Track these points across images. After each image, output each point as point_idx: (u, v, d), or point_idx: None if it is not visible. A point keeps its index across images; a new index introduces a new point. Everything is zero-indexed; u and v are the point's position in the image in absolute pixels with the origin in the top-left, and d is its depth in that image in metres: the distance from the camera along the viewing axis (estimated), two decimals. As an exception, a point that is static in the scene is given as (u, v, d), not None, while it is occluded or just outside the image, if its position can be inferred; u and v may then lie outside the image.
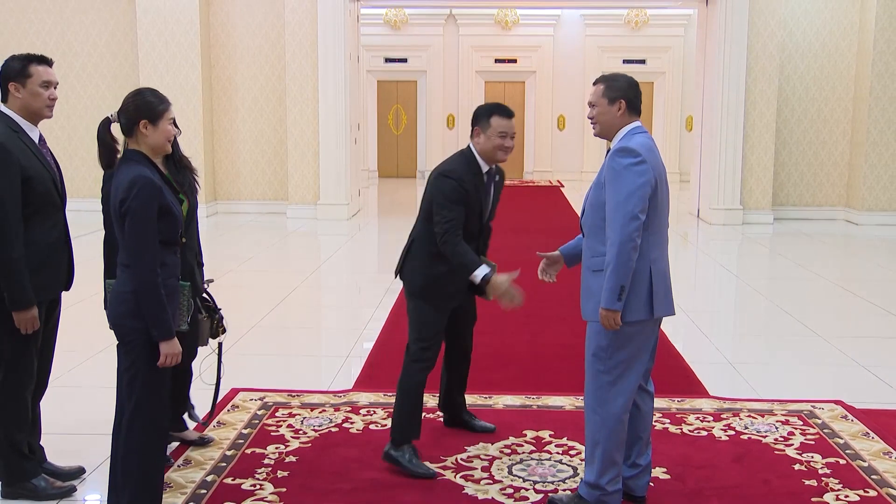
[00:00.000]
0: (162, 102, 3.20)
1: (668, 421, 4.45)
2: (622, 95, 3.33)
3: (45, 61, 3.48)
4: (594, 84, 3.44)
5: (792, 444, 4.15)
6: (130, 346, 3.05)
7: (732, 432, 4.31)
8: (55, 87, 3.51)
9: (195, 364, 4.01)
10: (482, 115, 3.88)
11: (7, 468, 3.48)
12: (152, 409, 3.07)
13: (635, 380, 3.33)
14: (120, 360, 3.09)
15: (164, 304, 3.00)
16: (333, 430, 4.31)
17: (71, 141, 12.34)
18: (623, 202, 3.14)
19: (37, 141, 3.47)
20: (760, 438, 4.23)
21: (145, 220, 2.96)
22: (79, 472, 3.70)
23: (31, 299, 3.34)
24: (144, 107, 3.14)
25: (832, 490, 3.66)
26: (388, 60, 19.37)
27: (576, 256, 3.67)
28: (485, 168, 3.91)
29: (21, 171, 3.31)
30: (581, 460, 3.88)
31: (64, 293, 3.63)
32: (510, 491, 3.63)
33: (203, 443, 4.05)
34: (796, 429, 4.35)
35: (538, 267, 3.76)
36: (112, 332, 3.12)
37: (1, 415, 3.43)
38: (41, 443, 3.68)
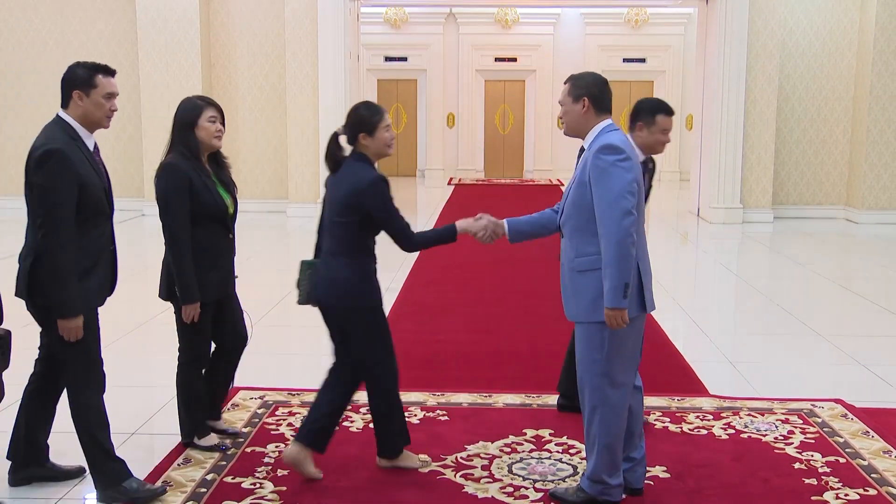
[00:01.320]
0: (374, 115, 3.64)
1: (668, 420, 4.44)
2: (585, 93, 3.30)
3: (110, 72, 3.51)
4: (564, 83, 3.44)
5: (792, 443, 4.15)
6: (358, 316, 3.62)
7: (732, 431, 4.31)
8: (115, 99, 3.53)
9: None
10: (646, 111, 4.05)
11: (101, 472, 3.50)
12: None
13: (631, 374, 3.37)
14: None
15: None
16: (333, 428, 4.30)
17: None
18: (615, 199, 3.13)
19: (92, 149, 3.49)
20: (760, 437, 4.23)
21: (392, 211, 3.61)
22: (79, 472, 3.70)
23: (79, 307, 3.34)
24: (359, 122, 3.65)
25: (832, 489, 3.66)
26: (388, 59, 19.36)
27: (523, 234, 3.64)
28: (641, 157, 4.00)
29: (78, 178, 3.32)
30: (581, 459, 3.88)
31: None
32: (510, 490, 3.63)
33: (232, 435, 4.14)
34: (796, 427, 4.35)
35: (477, 223, 3.66)
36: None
37: (85, 419, 3.46)
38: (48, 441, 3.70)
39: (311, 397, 4.72)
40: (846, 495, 3.60)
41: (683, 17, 18.71)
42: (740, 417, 4.48)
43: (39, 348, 3.63)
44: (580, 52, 18.99)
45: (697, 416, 4.50)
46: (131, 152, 12.67)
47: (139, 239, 11.01)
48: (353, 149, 3.69)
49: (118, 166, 12.51)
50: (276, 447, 4.04)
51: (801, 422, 4.43)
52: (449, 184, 17.75)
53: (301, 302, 3.80)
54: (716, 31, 11.83)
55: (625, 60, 19.01)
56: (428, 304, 7.09)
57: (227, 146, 13.29)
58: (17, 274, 3.41)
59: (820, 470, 3.85)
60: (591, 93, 3.31)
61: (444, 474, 3.77)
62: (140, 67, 12.01)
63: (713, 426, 4.37)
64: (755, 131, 11.98)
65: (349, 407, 3.98)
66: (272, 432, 4.24)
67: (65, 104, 3.45)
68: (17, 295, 3.42)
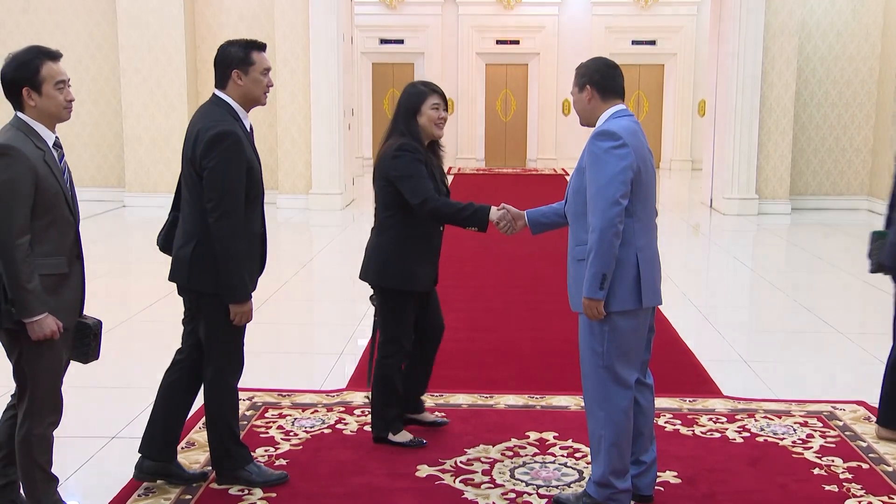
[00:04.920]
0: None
1: (680, 422, 4.45)
2: (588, 80, 3.39)
3: (263, 47, 3.58)
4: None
5: (811, 447, 4.15)
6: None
7: (747, 434, 4.31)
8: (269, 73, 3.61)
9: None
10: None
11: (228, 456, 3.65)
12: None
13: (634, 371, 3.38)
14: None
15: None
16: (326, 431, 4.31)
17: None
18: (604, 187, 3.19)
19: (248, 130, 3.58)
20: (777, 441, 4.23)
21: None
22: (202, 477, 3.76)
23: (249, 292, 3.49)
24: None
25: (854, 496, 3.66)
26: (383, 41, 19.33)
27: (542, 224, 3.81)
28: None
29: (246, 161, 3.43)
30: (587, 463, 3.88)
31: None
32: (512, 496, 3.63)
33: (438, 425, 4.30)
34: (816, 431, 4.35)
35: (497, 214, 3.85)
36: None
37: (220, 406, 3.61)
38: None
39: (302, 398, 4.74)
40: (869, 503, 3.60)
41: (696, -3, 18.70)
42: (756, 420, 4.48)
43: (188, 336, 3.72)
44: (586, 34, 18.97)
45: (710, 419, 4.50)
46: (111, 139, 12.64)
47: (121, 231, 10.99)
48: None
49: (96, 154, 12.50)
50: (266, 451, 4.04)
51: (821, 425, 4.43)
52: (448, 173, 17.69)
53: (872, 271, 4.33)
54: (730, 9, 11.81)
55: (634, 43, 18.98)
56: (426, 301, 7.07)
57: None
58: (174, 258, 3.56)
59: (841, 476, 3.85)
60: (592, 80, 3.38)
61: (443, 479, 3.77)
62: (120, 49, 11.99)
63: (727, 429, 4.37)
64: (772, 117, 11.97)
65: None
66: (261, 435, 4.24)
67: (222, 84, 3.53)
68: (171, 279, 3.57)
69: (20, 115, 3.13)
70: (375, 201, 4.06)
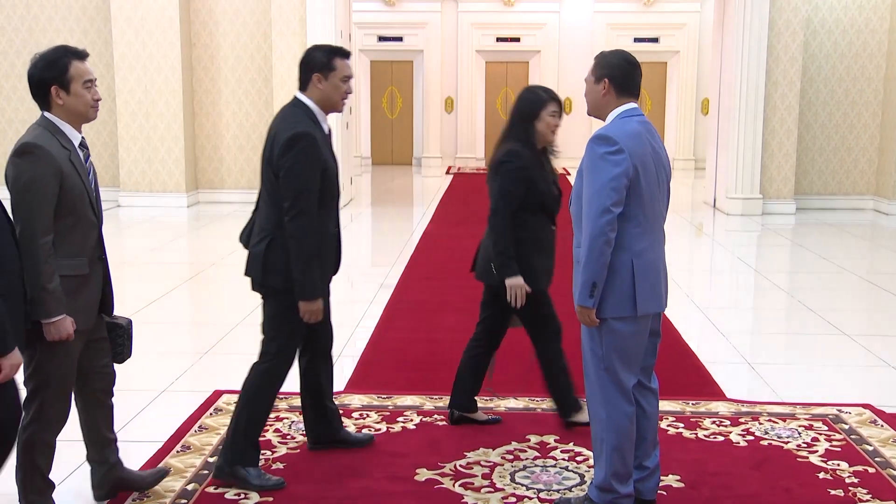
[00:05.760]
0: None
1: (682, 425, 4.44)
2: (606, 74, 3.37)
3: (347, 54, 3.75)
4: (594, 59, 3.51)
5: (816, 451, 4.15)
6: None
7: (751, 438, 4.31)
8: (351, 81, 3.78)
9: None
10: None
11: (235, 448, 3.71)
12: None
13: (633, 376, 3.37)
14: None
15: None
16: (323, 435, 4.30)
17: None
18: (596, 194, 3.20)
19: (327, 132, 3.75)
20: (782, 444, 4.23)
21: None
22: (368, 440, 4.13)
23: (320, 290, 3.65)
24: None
25: (860, 501, 3.65)
26: (382, 39, 19.34)
27: None
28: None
29: (322, 163, 3.59)
30: (589, 467, 3.88)
31: None
32: (513, 500, 3.63)
33: (493, 422, 4.43)
34: (821, 434, 4.35)
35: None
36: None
37: (256, 394, 3.72)
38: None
39: (299, 401, 4.72)
40: (874, 506, 3.60)
41: (699, -7, 18.70)
42: (760, 423, 4.48)
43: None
44: (588, 32, 18.97)
45: (713, 422, 4.50)
46: (105, 138, 12.64)
47: (116, 231, 10.99)
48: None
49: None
50: (263, 454, 4.03)
51: (827, 428, 4.43)
52: (447, 173, 17.74)
53: None
54: (734, 6, 11.81)
55: (636, 40, 18.97)
56: (424, 302, 7.08)
57: (208, 132, 13.19)
58: (249, 254, 3.71)
59: (847, 480, 3.85)
60: (612, 74, 3.36)
61: (443, 483, 3.77)
62: (114, 46, 11.97)
63: (730, 432, 4.37)
64: (776, 116, 11.96)
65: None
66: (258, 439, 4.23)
67: (303, 87, 3.70)
68: (246, 274, 3.72)
69: (47, 114, 3.21)
70: (489, 197, 4.22)
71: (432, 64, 19.21)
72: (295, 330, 3.73)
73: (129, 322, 3.50)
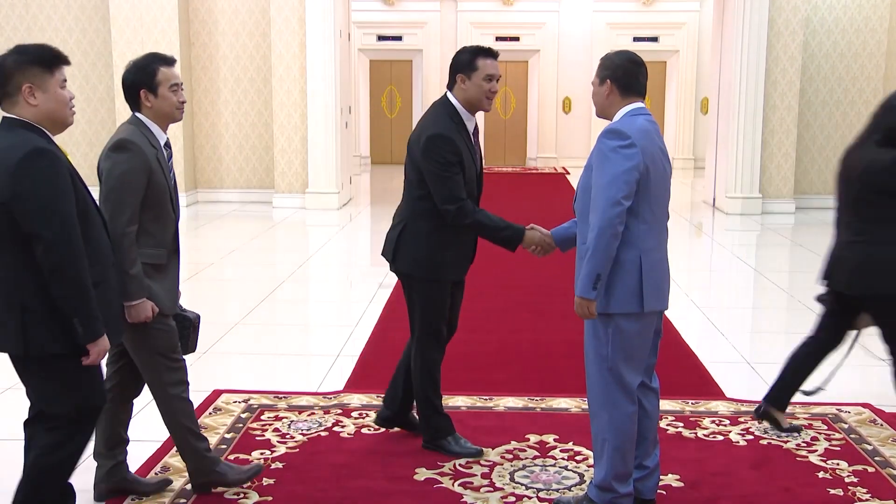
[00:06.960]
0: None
1: (682, 424, 4.45)
2: (609, 75, 3.40)
3: (493, 54, 3.85)
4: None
5: (816, 451, 4.16)
6: None
7: (751, 437, 4.31)
8: (497, 81, 3.88)
9: None
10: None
11: (429, 426, 4.06)
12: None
13: (638, 375, 3.37)
14: None
15: None
16: (323, 434, 4.31)
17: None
18: (607, 186, 3.19)
19: (471, 131, 3.88)
20: (781, 444, 4.23)
21: None
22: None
23: (448, 276, 3.98)
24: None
25: (860, 500, 3.66)
26: (381, 38, 19.33)
27: (569, 240, 3.80)
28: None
29: (459, 163, 3.79)
30: (588, 466, 3.89)
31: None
32: (512, 499, 3.63)
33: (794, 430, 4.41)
34: (820, 434, 4.36)
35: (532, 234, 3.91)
36: None
37: (422, 381, 4.00)
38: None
39: (298, 401, 4.74)
40: (873, 506, 3.60)
41: (699, -7, 18.70)
42: (759, 423, 4.48)
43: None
44: (587, 31, 18.97)
45: (713, 421, 4.51)
46: (104, 137, 12.61)
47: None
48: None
49: (90, 153, 12.49)
50: (262, 454, 4.04)
51: (826, 427, 4.44)
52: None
53: None
54: (733, 6, 11.81)
55: (635, 39, 18.95)
56: (424, 301, 7.07)
57: (207, 131, 13.23)
58: (386, 237, 4.03)
59: (846, 479, 3.85)
60: (615, 75, 3.38)
61: (442, 483, 3.77)
62: (113, 45, 11.96)
63: (730, 432, 4.37)
64: (776, 115, 11.97)
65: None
66: (257, 438, 4.24)
67: (451, 86, 3.88)
68: (382, 254, 4.04)
69: (137, 115, 3.43)
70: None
71: (431, 63, 19.20)
72: (433, 311, 3.96)
73: (198, 316, 3.68)
